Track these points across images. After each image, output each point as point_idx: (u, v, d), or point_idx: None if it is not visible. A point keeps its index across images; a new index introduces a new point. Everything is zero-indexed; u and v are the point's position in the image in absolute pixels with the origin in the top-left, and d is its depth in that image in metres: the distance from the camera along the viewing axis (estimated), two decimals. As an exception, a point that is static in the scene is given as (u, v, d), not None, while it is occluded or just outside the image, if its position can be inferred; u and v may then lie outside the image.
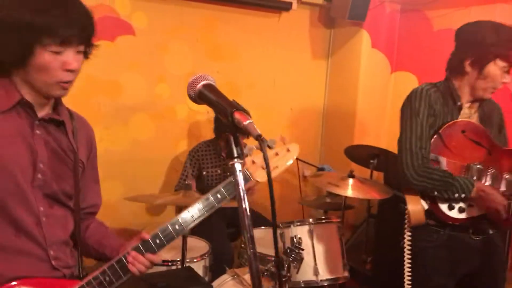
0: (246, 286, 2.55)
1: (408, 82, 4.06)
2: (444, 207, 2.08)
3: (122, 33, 3.42)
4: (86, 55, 1.43)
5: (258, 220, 3.41)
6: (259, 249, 2.89)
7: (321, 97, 4.48)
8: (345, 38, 4.24)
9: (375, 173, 3.64)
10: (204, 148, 3.46)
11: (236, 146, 0.99)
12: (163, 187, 3.78)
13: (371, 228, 3.71)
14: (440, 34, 3.87)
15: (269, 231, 3.24)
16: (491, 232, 2.17)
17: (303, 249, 2.53)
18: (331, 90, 4.45)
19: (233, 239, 3.43)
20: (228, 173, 3.57)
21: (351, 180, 3.09)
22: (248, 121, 0.97)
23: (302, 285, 2.60)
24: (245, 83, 4.03)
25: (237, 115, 0.98)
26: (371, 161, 3.49)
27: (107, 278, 1.43)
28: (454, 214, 2.08)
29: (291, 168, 4.10)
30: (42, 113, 1.44)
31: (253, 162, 1.63)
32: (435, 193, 2.06)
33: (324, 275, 2.59)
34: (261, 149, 0.96)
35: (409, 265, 2.15)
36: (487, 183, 2.11)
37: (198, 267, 2.81)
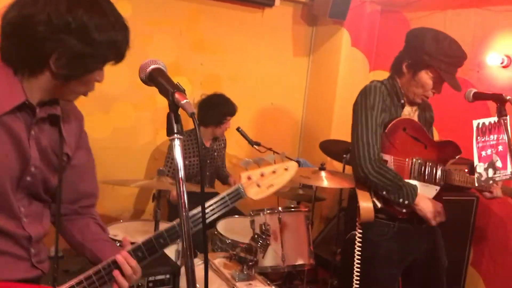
0: (215, 270, 2.66)
1: (385, 81, 4.17)
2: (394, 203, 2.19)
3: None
4: None
5: (232, 210, 3.51)
6: (232, 236, 3.01)
7: (302, 93, 4.59)
8: (326, 36, 4.35)
9: (348, 167, 3.75)
10: (186, 138, 3.55)
11: (176, 123, 1.08)
12: (143, 175, 3.87)
13: (342, 220, 3.82)
14: (416, 35, 3.98)
15: (242, 219, 3.35)
16: None
17: (270, 235, 2.64)
18: (311, 86, 4.56)
19: (210, 227, 3.53)
20: (208, 161, 3.67)
21: (322, 173, 3.21)
22: (185, 100, 1.07)
23: (269, 270, 2.72)
24: (228, 76, 4.13)
25: (177, 95, 1.09)
26: (344, 155, 3.60)
27: (92, 284, 1.37)
28: (403, 208, 2.19)
29: (268, 160, 4.21)
30: (39, 109, 1.34)
31: (249, 178, 1.62)
32: (384, 192, 2.13)
33: (290, 260, 2.70)
34: (195, 125, 1.06)
35: (359, 260, 2.22)
36: (426, 176, 2.22)
37: (171, 252, 2.90)
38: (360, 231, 2.22)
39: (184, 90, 1.11)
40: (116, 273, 1.39)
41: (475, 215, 3.26)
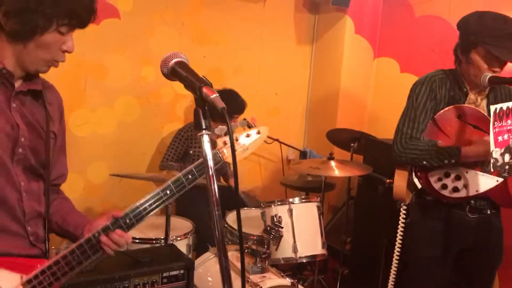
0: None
1: (390, 68, 4.14)
2: (437, 185, 2.16)
3: (107, 16, 3.45)
4: None
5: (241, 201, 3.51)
6: (242, 228, 2.99)
7: (306, 82, 4.55)
8: (329, 24, 4.30)
9: (355, 156, 3.73)
10: (192, 128, 3.53)
11: (204, 118, 1.05)
12: (148, 169, 3.85)
13: (351, 209, 3.82)
14: (421, 20, 3.95)
15: (250, 211, 3.33)
16: (489, 212, 2.23)
17: (282, 227, 2.62)
18: (315, 75, 4.52)
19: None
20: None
21: (332, 162, 3.20)
22: (214, 95, 1.04)
23: (282, 262, 2.71)
24: (231, 67, 4.09)
25: (205, 89, 1.05)
26: (352, 144, 3.59)
27: (76, 258, 1.40)
28: (448, 193, 2.15)
29: (274, 151, 4.20)
30: (17, 84, 1.40)
31: (225, 143, 1.64)
32: (424, 163, 2.13)
33: (302, 252, 2.69)
34: (227, 123, 1.02)
35: (401, 236, 2.27)
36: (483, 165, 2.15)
37: (182, 245, 2.90)
38: (404, 211, 2.26)
39: (212, 84, 1.07)
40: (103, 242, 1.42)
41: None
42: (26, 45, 1.32)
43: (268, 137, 3.65)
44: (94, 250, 1.41)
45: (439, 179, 2.16)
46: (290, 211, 2.72)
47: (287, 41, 4.36)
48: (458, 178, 2.14)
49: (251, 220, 3.13)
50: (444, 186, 2.15)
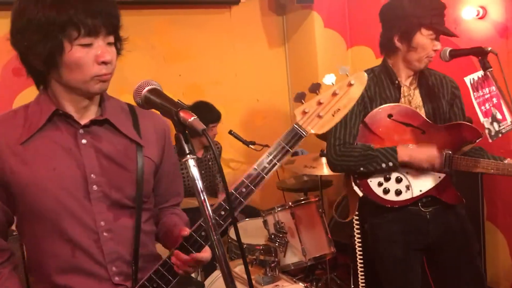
0: (237, 278, 2.61)
1: (365, 56, 4.15)
2: (379, 191, 2.09)
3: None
4: (118, 50, 1.37)
5: (243, 210, 3.47)
6: (246, 240, 2.96)
7: (285, 83, 4.54)
8: (298, 23, 4.30)
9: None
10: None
11: (186, 143, 1.03)
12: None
13: (351, 202, 3.79)
14: (387, 4, 3.96)
15: (252, 221, 3.30)
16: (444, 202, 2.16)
17: (286, 233, 2.60)
18: (292, 74, 4.52)
19: (221, 235, 3.48)
20: (203, 171, 3.61)
21: (323, 159, 3.19)
22: (192, 118, 1.03)
23: (292, 267, 2.69)
24: (208, 81, 4.07)
25: (182, 114, 1.04)
26: (341, 137, 3.58)
27: (155, 285, 1.33)
28: (392, 197, 2.09)
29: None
30: (88, 117, 1.37)
31: (304, 112, 1.40)
32: (361, 169, 2.05)
33: (311, 253, 2.67)
34: (209, 142, 1.01)
35: (359, 241, 2.28)
36: None
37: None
38: (357, 217, 2.26)
39: (188, 107, 1.06)
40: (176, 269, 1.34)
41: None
42: (62, 74, 1.29)
43: (257, 144, 3.63)
44: (173, 273, 1.33)
45: (380, 184, 2.10)
46: (292, 214, 2.70)
47: (259, 45, 4.35)
48: (399, 180, 2.10)
49: (254, 230, 3.11)
50: (386, 190, 2.10)
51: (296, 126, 1.39)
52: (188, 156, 1.04)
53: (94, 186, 1.33)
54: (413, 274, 2.19)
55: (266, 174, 1.36)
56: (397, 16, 2.11)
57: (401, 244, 2.16)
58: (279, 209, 2.72)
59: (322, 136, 3.81)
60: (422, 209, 2.14)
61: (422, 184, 2.10)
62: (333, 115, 1.38)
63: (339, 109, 1.38)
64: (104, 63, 1.29)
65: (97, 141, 1.36)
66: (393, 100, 2.13)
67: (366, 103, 2.11)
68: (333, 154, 2.10)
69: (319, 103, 1.39)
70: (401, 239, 2.15)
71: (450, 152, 2.03)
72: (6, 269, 1.38)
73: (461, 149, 2.10)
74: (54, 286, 1.35)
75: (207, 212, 1.00)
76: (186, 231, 1.32)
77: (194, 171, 1.02)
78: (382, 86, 2.15)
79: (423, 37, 2.07)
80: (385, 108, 2.11)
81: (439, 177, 2.11)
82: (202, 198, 1.00)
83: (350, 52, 4.36)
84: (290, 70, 4.52)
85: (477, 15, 3.26)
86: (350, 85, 1.40)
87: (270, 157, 1.36)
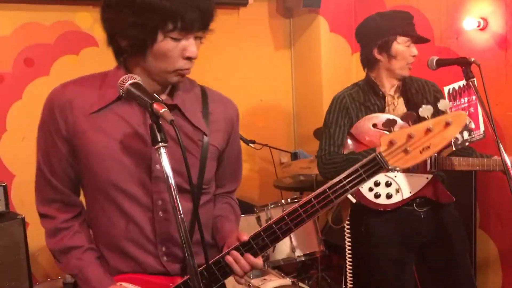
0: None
1: (369, 61, 4.21)
2: (370, 196, 2.18)
3: (85, 46, 3.52)
4: (200, 39, 1.36)
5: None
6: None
7: (289, 85, 4.62)
8: (304, 26, 4.38)
9: (345, 151, 3.78)
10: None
11: (159, 132, 1.13)
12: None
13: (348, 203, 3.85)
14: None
15: (245, 218, 3.36)
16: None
17: (277, 229, 2.67)
18: (297, 77, 4.59)
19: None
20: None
21: (320, 160, 3.26)
22: (163, 110, 1.12)
23: (282, 263, 2.76)
24: (213, 81, 4.10)
25: (155, 105, 1.13)
26: (339, 140, 3.64)
27: (204, 281, 1.32)
28: (383, 200, 2.18)
29: (266, 156, 4.25)
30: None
31: (391, 143, 1.30)
32: None
33: (301, 250, 2.74)
34: (176, 132, 1.10)
35: (349, 245, 2.33)
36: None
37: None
38: (348, 218, 2.32)
39: (162, 100, 1.15)
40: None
41: (475, 174, 3.24)
42: (146, 60, 1.29)
43: (257, 143, 3.71)
44: (223, 272, 1.34)
45: (370, 189, 2.19)
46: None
47: (265, 47, 4.44)
48: (388, 184, 2.18)
49: (247, 227, 3.18)
50: (377, 195, 2.18)
51: (378, 156, 1.32)
52: (160, 143, 1.13)
53: (157, 166, 1.32)
54: (407, 275, 2.28)
55: (336, 198, 1.34)
56: (373, 31, 2.25)
57: (397, 244, 2.24)
58: (272, 206, 2.80)
59: (319, 137, 3.89)
60: (417, 209, 2.23)
61: (411, 186, 2.18)
62: (421, 152, 1.30)
63: (428, 147, 1.29)
64: (190, 58, 1.31)
65: (165, 122, 1.33)
66: (378, 110, 2.24)
67: (351, 116, 2.24)
68: (321, 163, 2.26)
69: (409, 137, 1.30)
70: (397, 239, 2.23)
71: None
72: (77, 222, 1.42)
73: (444, 149, 2.19)
74: (114, 247, 1.38)
75: (173, 195, 1.10)
76: (246, 237, 1.33)
77: (164, 159, 1.12)
78: (367, 97, 2.27)
79: (399, 45, 2.20)
80: (368, 118, 2.22)
81: (427, 178, 2.19)
82: (171, 182, 1.10)
83: (355, 57, 4.41)
84: (295, 72, 4.59)
85: (478, 26, 3.31)
86: (447, 124, 1.28)
87: (343, 182, 1.33)
